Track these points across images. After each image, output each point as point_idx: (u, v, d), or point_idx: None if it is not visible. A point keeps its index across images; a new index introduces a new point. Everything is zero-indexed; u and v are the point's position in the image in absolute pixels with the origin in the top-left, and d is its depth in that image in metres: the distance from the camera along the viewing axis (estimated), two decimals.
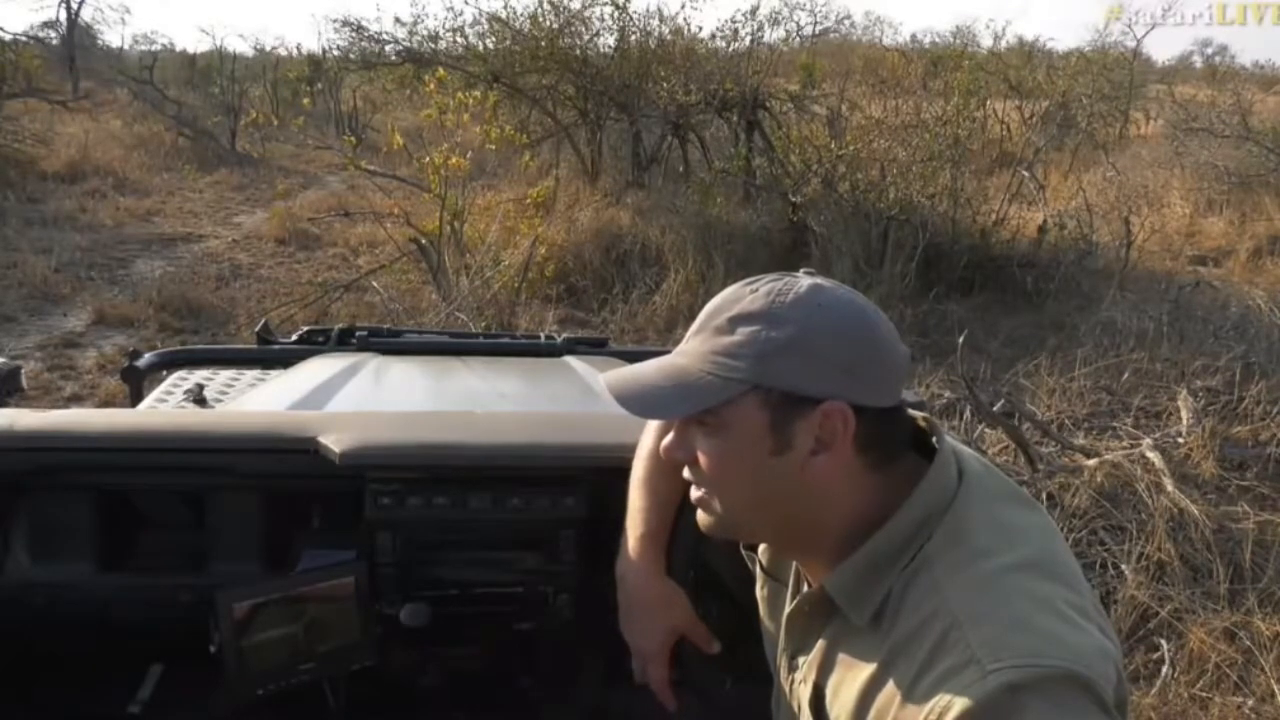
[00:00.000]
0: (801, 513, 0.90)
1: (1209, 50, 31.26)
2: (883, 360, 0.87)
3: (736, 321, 0.87)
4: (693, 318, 0.93)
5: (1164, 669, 2.80)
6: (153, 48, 21.63)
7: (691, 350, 0.90)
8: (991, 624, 0.78)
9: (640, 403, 0.90)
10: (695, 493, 0.95)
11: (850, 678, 0.87)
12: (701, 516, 0.95)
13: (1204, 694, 2.69)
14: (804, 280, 0.89)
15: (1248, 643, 2.86)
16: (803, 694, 0.95)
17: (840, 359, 0.85)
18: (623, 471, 1.24)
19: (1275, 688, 2.69)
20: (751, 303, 0.87)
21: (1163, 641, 2.91)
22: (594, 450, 1.37)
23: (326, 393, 1.74)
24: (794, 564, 1.01)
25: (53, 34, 18.98)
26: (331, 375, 1.85)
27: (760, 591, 1.09)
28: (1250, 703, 2.67)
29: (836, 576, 0.89)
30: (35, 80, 13.50)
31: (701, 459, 0.90)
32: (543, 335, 2.35)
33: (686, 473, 0.95)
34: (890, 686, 0.82)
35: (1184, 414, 4.42)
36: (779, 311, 0.86)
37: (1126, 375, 4.92)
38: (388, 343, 2.19)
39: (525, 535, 1.39)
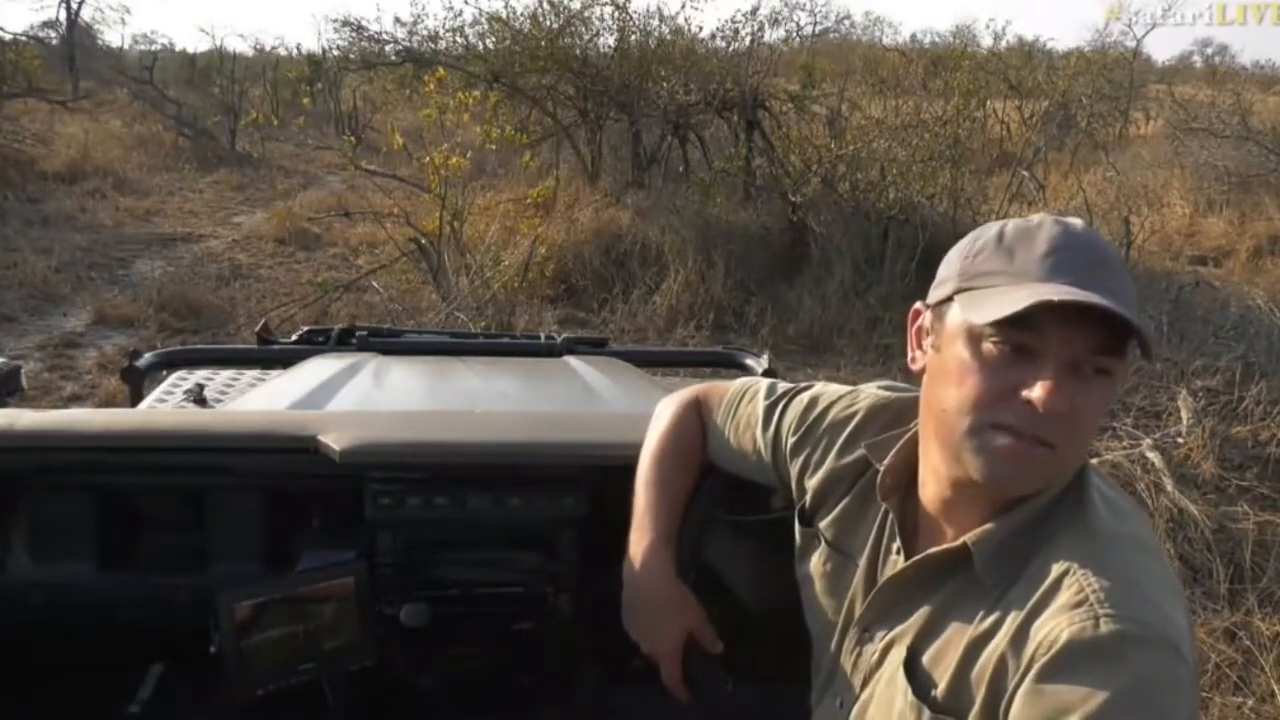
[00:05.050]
0: None
1: (1209, 50, 31.19)
2: None
3: (1119, 266, 0.88)
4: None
5: None
6: (153, 48, 21.53)
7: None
8: (1109, 577, 0.81)
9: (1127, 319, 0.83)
10: (1037, 450, 0.84)
11: (956, 640, 0.89)
12: (1021, 472, 0.86)
13: (1204, 694, 2.69)
14: None
15: (1248, 643, 2.86)
16: (875, 663, 0.97)
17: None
18: (623, 471, 1.24)
19: (1275, 688, 2.69)
20: (1110, 249, 0.90)
21: None
22: (594, 450, 1.37)
23: (326, 393, 1.74)
24: (872, 535, 1.02)
25: (53, 34, 18.90)
26: (331, 375, 1.85)
27: (821, 566, 1.09)
28: (1250, 703, 2.67)
29: (986, 535, 0.90)
30: (35, 80, 13.45)
31: (1086, 405, 0.84)
32: (543, 335, 2.35)
33: (1019, 421, 0.84)
34: (1002, 633, 0.84)
35: (1184, 414, 4.41)
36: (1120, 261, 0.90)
37: None
38: (388, 343, 2.19)
39: (525, 535, 1.39)
